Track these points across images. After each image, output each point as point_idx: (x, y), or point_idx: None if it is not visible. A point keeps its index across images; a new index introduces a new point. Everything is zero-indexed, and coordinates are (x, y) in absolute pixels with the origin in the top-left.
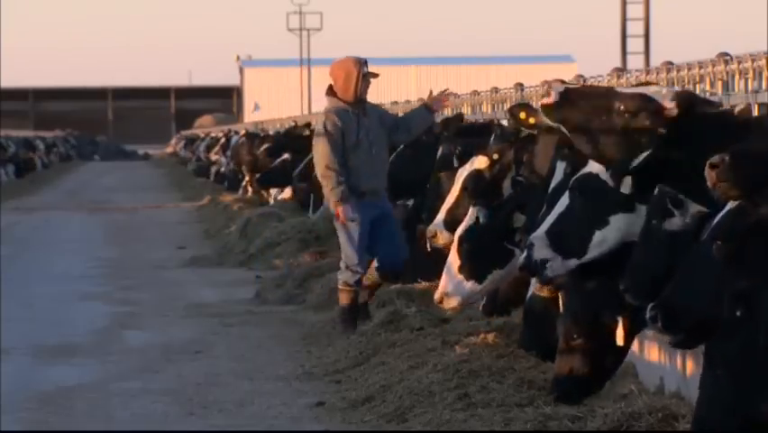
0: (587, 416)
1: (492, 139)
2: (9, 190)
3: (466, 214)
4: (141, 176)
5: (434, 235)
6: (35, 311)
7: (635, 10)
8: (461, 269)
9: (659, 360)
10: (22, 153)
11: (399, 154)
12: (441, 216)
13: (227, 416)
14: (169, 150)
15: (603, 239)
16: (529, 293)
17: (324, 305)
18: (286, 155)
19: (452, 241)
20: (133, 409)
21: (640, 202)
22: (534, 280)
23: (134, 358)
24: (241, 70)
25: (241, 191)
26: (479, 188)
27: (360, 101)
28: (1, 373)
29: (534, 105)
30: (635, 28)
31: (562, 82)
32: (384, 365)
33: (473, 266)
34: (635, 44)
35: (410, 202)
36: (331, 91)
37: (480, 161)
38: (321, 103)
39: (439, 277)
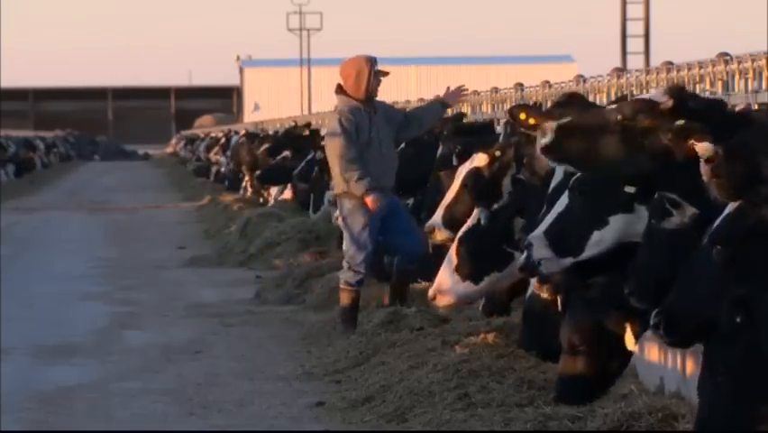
0: (587, 416)
1: (501, 137)
2: (9, 190)
3: (465, 211)
4: (141, 176)
5: (433, 231)
6: (35, 311)
7: (635, 10)
8: (457, 268)
9: (659, 360)
10: (22, 153)
11: (400, 153)
12: (439, 212)
13: (227, 416)
14: (169, 150)
15: (601, 239)
16: (528, 292)
17: (324, 305)
18: (286, 152)
19: (451, 238)
20: (133, 409)
21: (639, 203)
22: (533, 280)
23: (134, 358)
24: (241, 70)
25: (241, 191)
26: (478, 185)
27: (370, 99)
28: (1, 373)
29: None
30: (635, 28)
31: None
32: (384, 365)
33: (470, 267)
34: (635, 44)
35: (410, 201)
36: (341, 90)
37: (479, 159)
38: (321, 103)
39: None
